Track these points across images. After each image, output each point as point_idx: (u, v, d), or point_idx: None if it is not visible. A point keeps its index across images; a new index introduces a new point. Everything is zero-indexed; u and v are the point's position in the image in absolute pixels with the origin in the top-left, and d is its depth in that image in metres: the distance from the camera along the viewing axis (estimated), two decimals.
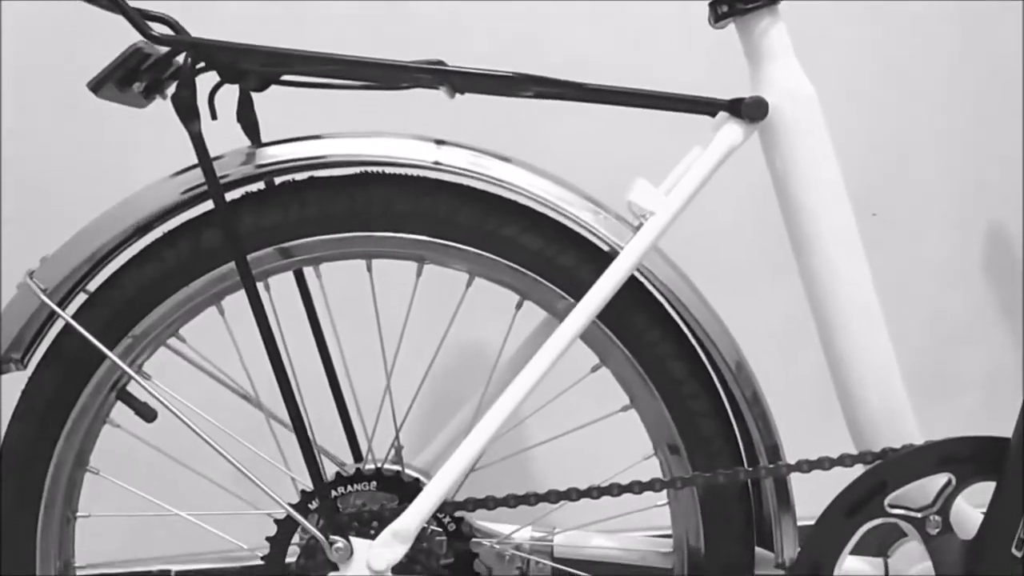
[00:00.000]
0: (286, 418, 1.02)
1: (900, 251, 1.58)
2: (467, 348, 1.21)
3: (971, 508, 0.97)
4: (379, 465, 0.99)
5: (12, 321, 0.97)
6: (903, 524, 0.94)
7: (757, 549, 1.03)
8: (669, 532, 1.04)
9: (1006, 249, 1.70)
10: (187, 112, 0.90)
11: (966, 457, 0.93)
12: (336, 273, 1.02)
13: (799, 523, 0.99)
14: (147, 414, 1.00)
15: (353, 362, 1.07)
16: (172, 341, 1.01)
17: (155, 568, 1.49)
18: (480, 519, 1.06)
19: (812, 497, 0.99)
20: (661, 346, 0.99)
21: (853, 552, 0.97)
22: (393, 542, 0.91)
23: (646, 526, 1.11)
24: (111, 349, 0.95)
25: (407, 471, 1.00)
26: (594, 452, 1.09)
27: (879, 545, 1.08)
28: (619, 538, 1.07)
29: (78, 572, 1.03)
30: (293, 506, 0.95)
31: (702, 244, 1.37)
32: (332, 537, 0.91)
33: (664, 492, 1.03)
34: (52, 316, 0.97)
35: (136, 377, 0.96)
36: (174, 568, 1.50)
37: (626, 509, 1.05)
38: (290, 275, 1.04)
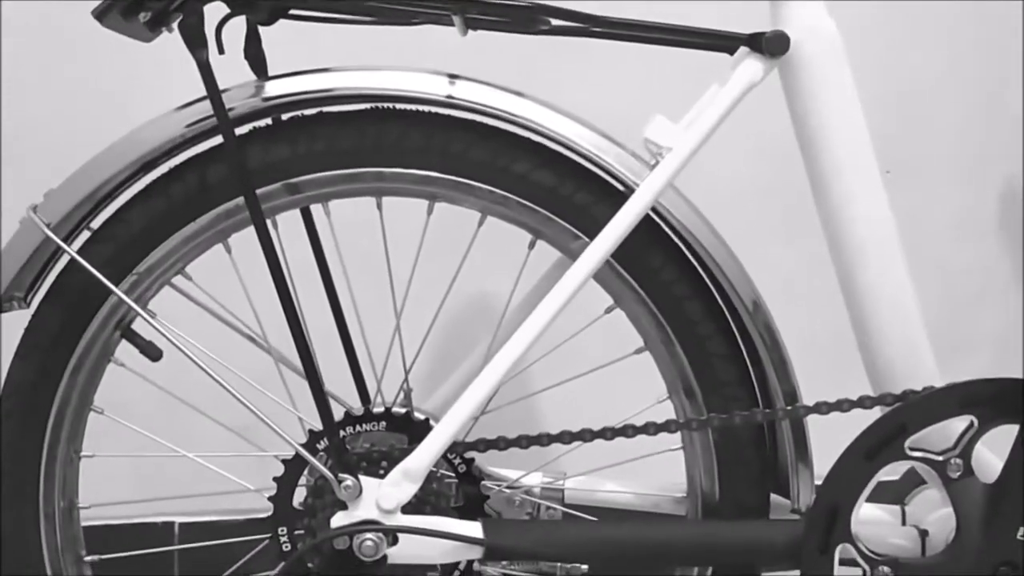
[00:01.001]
0: (293, 360, 1.02)
1: (912, 209, 1.56)
2: (478, 291, 1.19)
3: (992, 454, 0.95)
4: (388, 406, 0.97)
5: (14, 257, 0.95)
6: (923, 468, 0.92)
7: (772, 496, 1.02)
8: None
9: (1019, 207, 1.67)
10: (194, 39, 0.87)
11: (989, 399, 0.90)
12: (344, 210, 1.00)
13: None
14: (152, 353, 0.98)
15: (361, 304, 1.05)
16: (178, 281, 0.99)
17: (159, 520, 1.48)
18: (491, 465, 1.05)
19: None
20: (677, 286, 0.97)
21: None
22: (403, 481, 0.90)
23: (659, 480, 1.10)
24: (115, 286, 0.93)
25: (417, 413, 0.98)
26: (608, 397, 1.07)
27: (896, 493, 1.07)
28: (631, 484, 1.06)
29: (82, 512, 1.01)
30: (301, 446, 0.93)
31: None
32: (341, 475, 0.89)
33: (678, 437, 1.01)
34: (56, 252, 0.95)
35: (142, 312, 0.94)
36: (178, 520, 1.49)
37: (639, 454, 1.03)
38: (298, 224, 1.03)
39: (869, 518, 0.98)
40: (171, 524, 1.48)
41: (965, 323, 1.64)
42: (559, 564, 1.09)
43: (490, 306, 1.08)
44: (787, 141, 0.97)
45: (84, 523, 1.04)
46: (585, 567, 1.11)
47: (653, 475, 1.06)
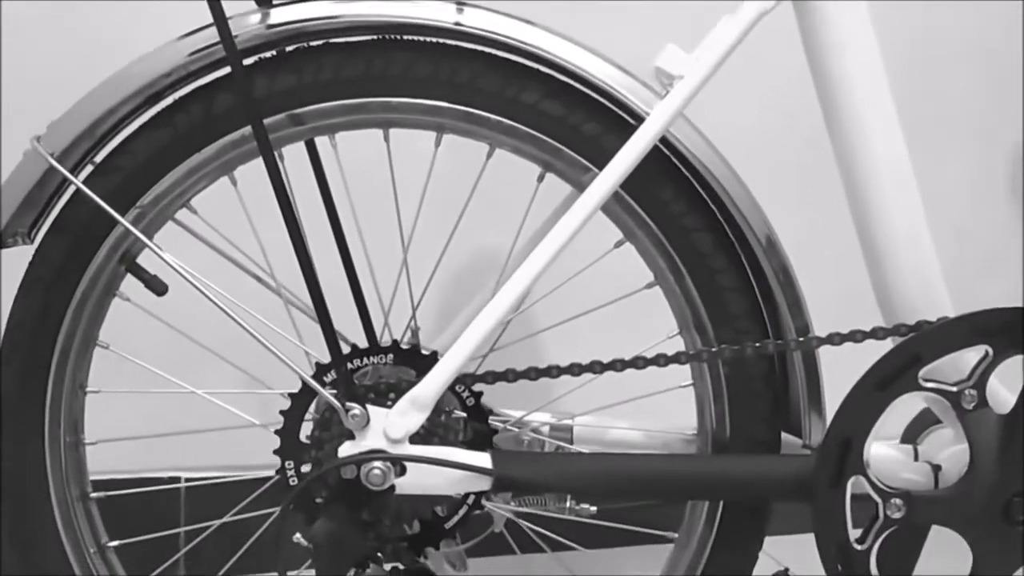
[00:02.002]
0: (298, 296, 1.01)
1: (925, 171, 1.55)
2: (486, 229, 1.18)
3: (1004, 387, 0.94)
4: (395, 340, 0.96)
5: (17, 189, 0.94)
6: (936, 400, 0.91)
7: (784, 436, 1.01)
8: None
9: None
10: None
11: (1005, 328, 0.89)
12: (351, 145, 0.99)
13: None
14: (157, 287, 0.97)
15: (368, 242, 1.04)
16: (182, 216, 0.98)
17: (165, 475, 1.48)
18: (500, 406, 1.04)
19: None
20: (687, 218, 0.95)
21: None
22: (411, 410, 0.89)
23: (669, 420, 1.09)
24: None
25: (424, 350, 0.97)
26: (617, 335, 1.06)
27: (908, 435, 1.06)
28: (641, 424, 1.05)
29: (87, 445, 1.01)
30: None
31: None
32: (348, 404, 0.88)
33: (689, 374, 1.00)
34: (61, 185, 0.94)
35: (147, 242, 0.93)
36: (184, 475, 1.48)
37: (649, 392, 1.02)
38: (303, 161, 1.02)
39: (881, 455, 0.97)
40: (177, 479, 1.47)
41: (978, 285, 1.62)
42: (567, 505, 1.09)
43: (499, 245, 1.07)
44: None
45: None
46: (594, 508, 1.10)
47: (663, 415, 1.05)
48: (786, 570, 1.28)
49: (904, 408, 1.02)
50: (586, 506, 1.09)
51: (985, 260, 1.63)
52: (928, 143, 1.60)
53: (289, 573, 0.97)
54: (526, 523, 1.06)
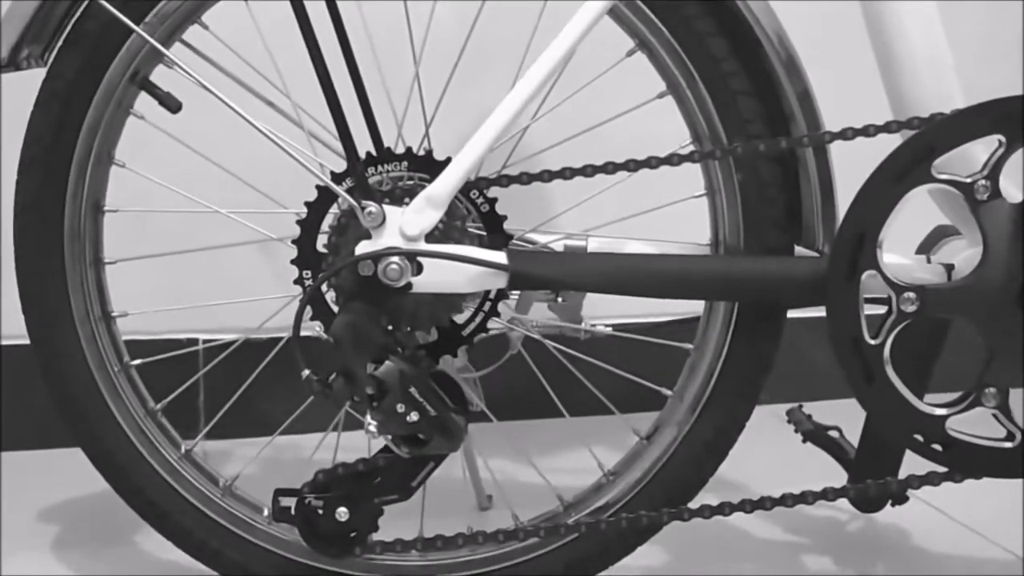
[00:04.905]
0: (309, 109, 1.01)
1: None
2: (500, 39, 1.17)
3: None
4: (409, 147, 0.96)
5: (27, 6, 0.94)
6: (949, 194, 0.91)
7: (797, 249, 1.01)
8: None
9: None
10: None
11: (1018, 117, 0.89)
12: None
13: None
14: (171, 104, 0.98)
15: (379, 50, 1.04)
16: (190, 36, 0.98)
17: (183, 336, 1.50)
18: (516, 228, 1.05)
19: None
20: (699, 22, 0.95)
21: None
22: (426, 208, 0.90)
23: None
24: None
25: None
26: (630, 144, 1.06)
27: (920, 249, 1.07)
28: (654, 244, 1.05)
29: (107, 263, 1.02)
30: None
31: None
32: (364, 202, 0.89)
33: (702, 186, 1.01)
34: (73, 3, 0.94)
35: (161, 48, 0.93)
36: (202, 336, 1.50)
37: (663, 205, 1.03)
38: None
39: (894, 260, 0.97)
40: (195, 341, 1.49)
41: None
42: (583, 328, 1.11)
43: (513, 55, 1.07)
44: None
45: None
46: (610, 328, 1.12)
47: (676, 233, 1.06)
48: (800, 406, 1.30)
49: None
50: (601, 327, 1.11)
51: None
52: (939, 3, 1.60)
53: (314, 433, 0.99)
54: (550, 342, 1.07)
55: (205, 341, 1.48)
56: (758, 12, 0.94)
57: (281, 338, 1.08)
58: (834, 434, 1.22)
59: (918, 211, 0.97)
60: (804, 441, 1.23)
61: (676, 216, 1.04)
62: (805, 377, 1.58)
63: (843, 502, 1.10)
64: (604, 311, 1.20)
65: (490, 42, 1.13)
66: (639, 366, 1.06)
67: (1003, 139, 0.90)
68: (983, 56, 1.60)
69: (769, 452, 1.24)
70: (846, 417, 1.14)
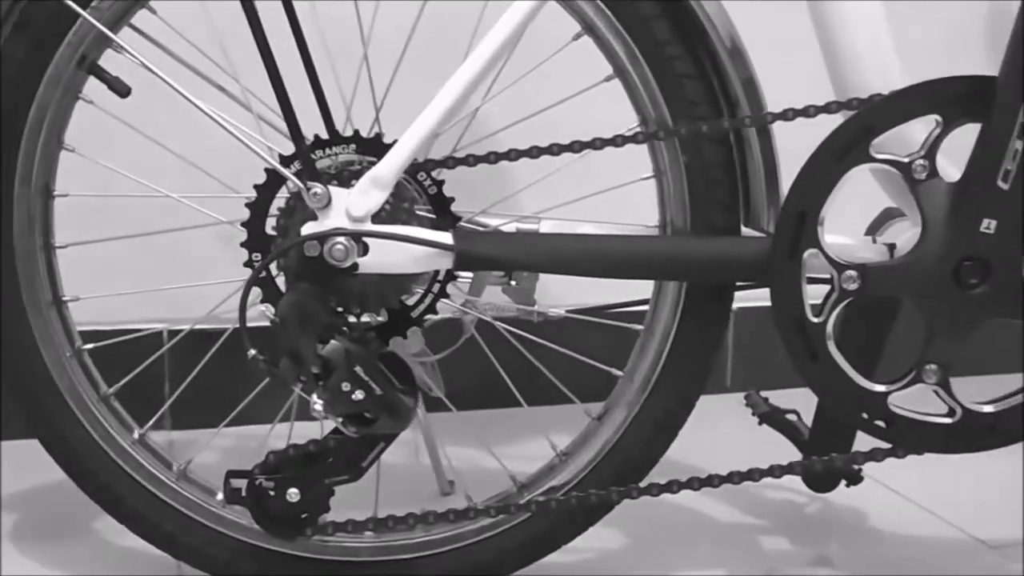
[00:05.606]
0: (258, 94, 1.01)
1: (900, 25, 1.55)
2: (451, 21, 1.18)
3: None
4: (357, 130, 0.97)
5: None
6: (888, 173, 0.93)
7: (744, 230, 1.03)
8: None
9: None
10: None
11: (955, 98, 0.91)
12: None
13: None
14: (120, 88, 0.98)
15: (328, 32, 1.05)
16: (138, 20, 0.99)
17: (157, 327, 1.50)
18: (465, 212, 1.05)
19: None
20: (642, 5, 0.96)
21: None
22: (372, 189, 0.90)
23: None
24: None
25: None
26: (588, 128, 1.06)
27: (867, 232, 1.08)
28: (604, 226, 1.06)
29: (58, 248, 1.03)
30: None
31: None
32: (309, 183, 0.90)
33: (650, 168, 1.02)
34: None
35: (110, 33, 0.93)
36: (166, 327, 1.50)
37: (612, 188, 1.04)
38: None
39: (839, 240, 0.98)
40: (159, 333, 1.49)
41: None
42: (535, 310, 1.12)
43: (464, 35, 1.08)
44: None
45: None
46: (563, 311, 1.13)
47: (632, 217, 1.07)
48: (758, 391, 1.32)
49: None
50: (556, 310, 1.12)
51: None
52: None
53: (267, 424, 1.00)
54: (501, 325, 1.08)
55: (170, 332, 1.49)
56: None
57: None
58: (792, 417, 1.24)
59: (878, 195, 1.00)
60: (760, 423, 1.24)
61: (632, 200, 1.05)
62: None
63: (802, 485, 1.13)
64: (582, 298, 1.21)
65: (445, 23, 1.14)
66: (598, 350, 1.08)
67: (940, 119, 0.91)
68: (945, 45, 1.62)
69: (737, 436, 1.26)
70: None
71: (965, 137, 0.93)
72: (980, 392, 0.98)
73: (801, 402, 1.15)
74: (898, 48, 0.95)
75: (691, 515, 1.29)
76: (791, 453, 1.17)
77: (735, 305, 1.02)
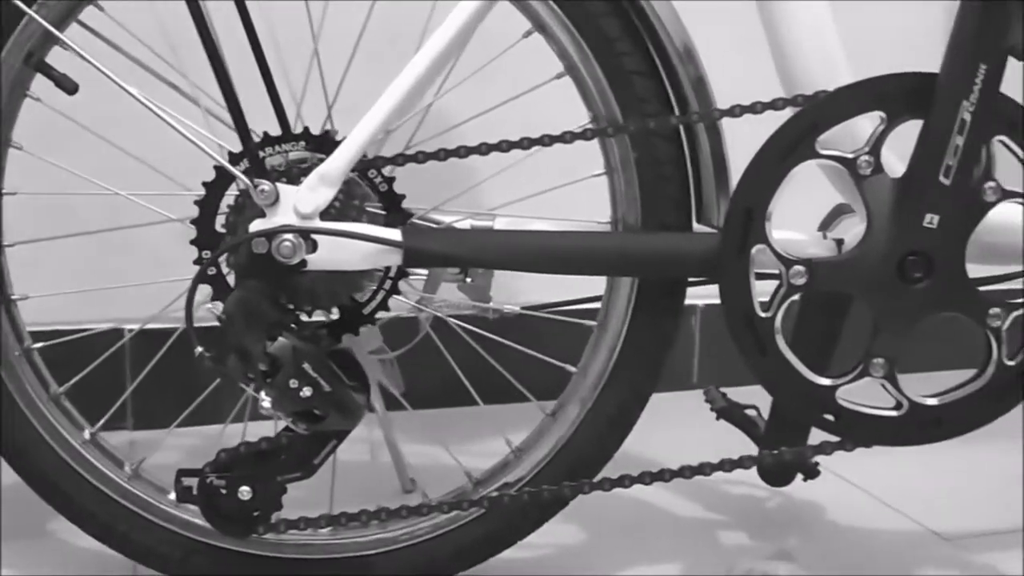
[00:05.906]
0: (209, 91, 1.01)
1: (858, 27, 1.56)
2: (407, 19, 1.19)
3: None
4: (307, 127, 0.97)
5: None
6: (834, 169, 0.94)
7: (697, 226, 1.03)
8: None
9: None
10: None
11: (898, 94, 0.91)
12: None
13: None
14: (67, 85, 0.98)
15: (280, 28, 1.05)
16: (86, 16, 0.98)
17: (106, 326, 1.49)
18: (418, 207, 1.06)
19: None
20: (591, 4, 0.97)
21: None
22: (320, 186, 0.90)
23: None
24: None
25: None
26: (544, 126, 1.07)
27: (819, 228, 1.09)
28: (558, 224, 1.06)
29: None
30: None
31: None
32: (256, 180, 0.90)
33: (602, 165, 1.02)
34: None
35: (55, 31, 0.93)
36: (127, 326, 1.50)
37: (564, 184, 1.05)
38: None
39: (788, 235, 0.99)
40: (120, 331, 1.49)
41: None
42: (491, 307, 1.12)
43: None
44: None
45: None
46: (518, 308, 1.13)
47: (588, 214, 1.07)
48: (718, 387, 1.32)
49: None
50: (511, 307, 1.12)
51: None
52: None
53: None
54: (455, 321, 1.08)
55: (129, 330, 1.48)
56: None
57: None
58: (751, 412, 1.25)
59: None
60: (718, 419, 1.25)
61: (588, 197, 1.05)
62: None
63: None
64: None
65: (399, 20, 1.14)
66: (553, 347, 1.08)
67: (884, 115, 0.92)
68: (906, 44, 1.64)
69: (702, 433, 1.27)
70: None
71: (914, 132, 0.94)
72: (930, 389, 1.00)
73: (766, 398, 1.17)
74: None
75: (651, 511, 1.30)
76: (753, 448, 1.19)
77: (702, 302, 1.03)
